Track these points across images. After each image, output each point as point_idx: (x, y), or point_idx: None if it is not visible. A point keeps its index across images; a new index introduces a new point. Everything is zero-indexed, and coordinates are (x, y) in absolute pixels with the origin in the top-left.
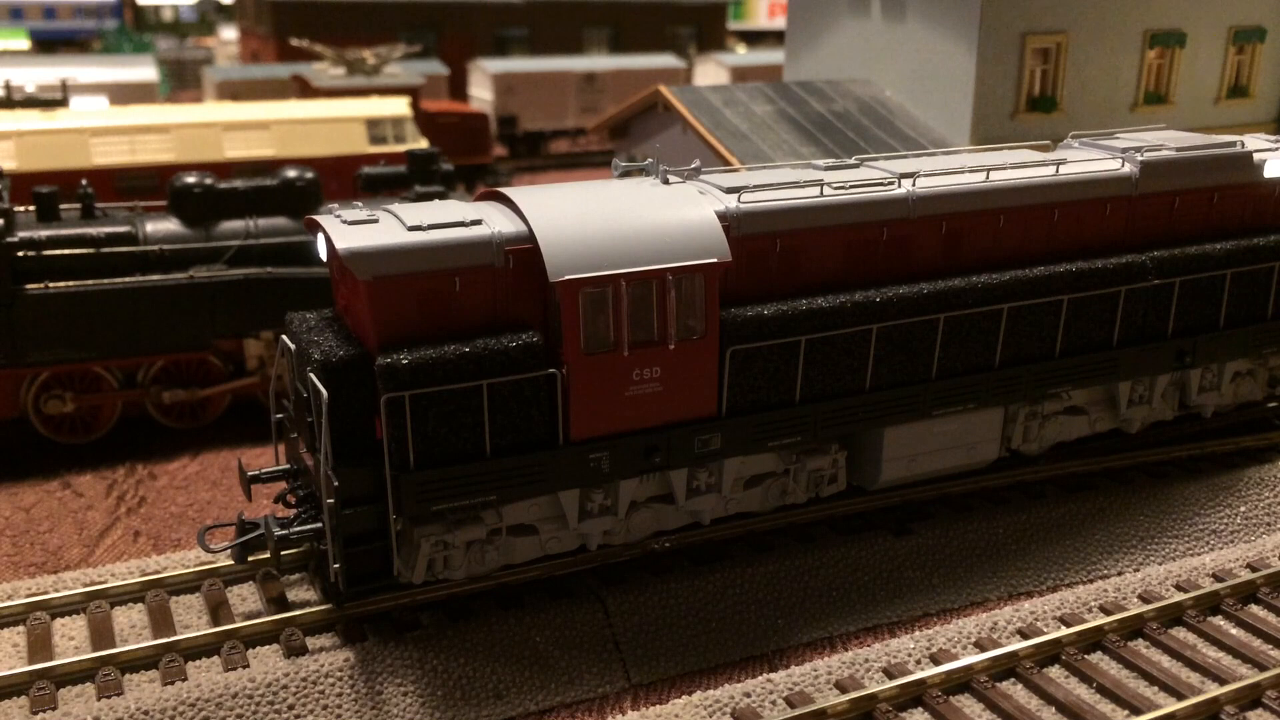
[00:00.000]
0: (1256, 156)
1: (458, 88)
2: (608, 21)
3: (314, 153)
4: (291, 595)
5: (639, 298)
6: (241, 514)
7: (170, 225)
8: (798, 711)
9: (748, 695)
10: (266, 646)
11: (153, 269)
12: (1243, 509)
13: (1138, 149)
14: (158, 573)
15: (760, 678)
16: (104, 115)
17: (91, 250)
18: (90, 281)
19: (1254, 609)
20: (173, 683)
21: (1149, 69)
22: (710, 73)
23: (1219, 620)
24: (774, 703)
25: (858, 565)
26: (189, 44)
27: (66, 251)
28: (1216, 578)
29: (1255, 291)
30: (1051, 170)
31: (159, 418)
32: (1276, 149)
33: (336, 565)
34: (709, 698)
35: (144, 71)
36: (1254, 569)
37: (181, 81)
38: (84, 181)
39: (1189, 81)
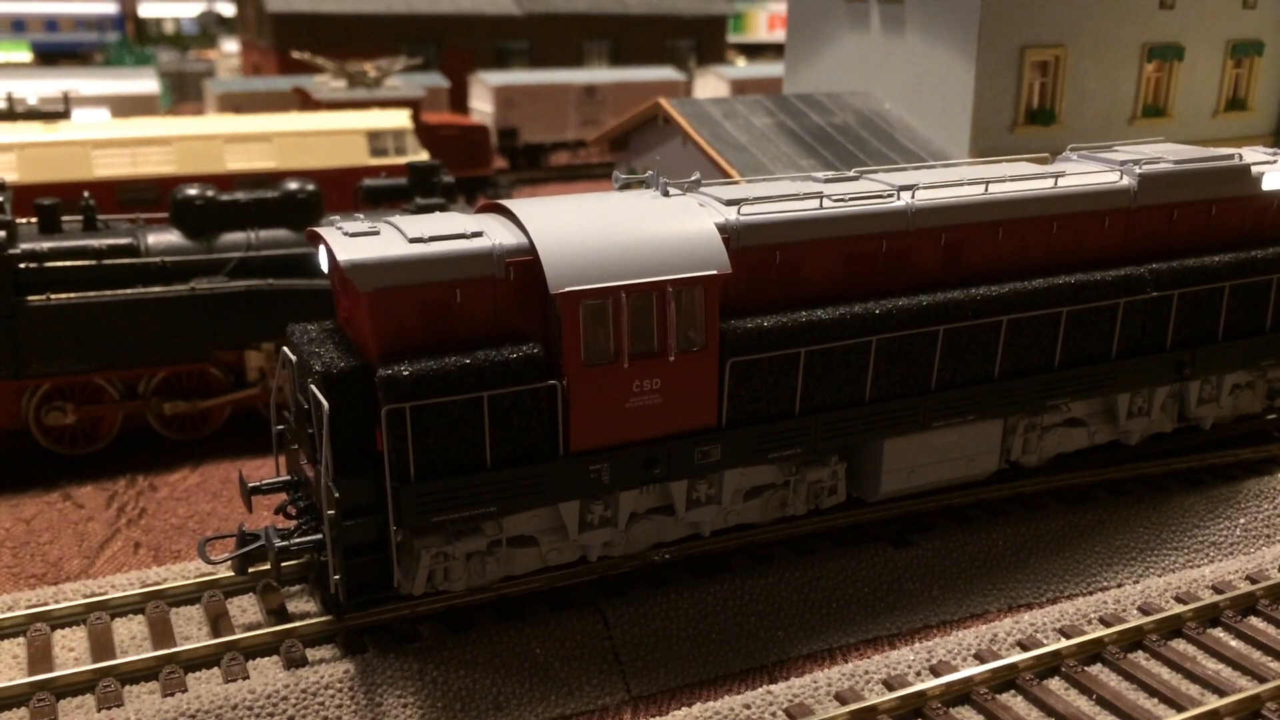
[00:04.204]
0: (1254, 169)
1: (458, 100)
2: (608, 34)
3: (315, 165)
4: (292, 607)
5: (639, 309)
6: (242, 525)
7: (172, 237)
8: None
9: (747, 707)
10: (267, 658)
11: (154, 281)
12: (1242, 521)
13: (1136, 162)
14: (158, 584)
15: (760, 689)
16: (106, 127)
17: (93, 262)
18: (92, 293)
19: (1253, 621)
20: (173, 694)
21: (1147, 82)
22: (710, 85)
23: (1218, 632)
24: (774, 714)
25: (857, 577)
26: (190, 57)
27: (68, 263)
28: (1216, 590)
29: (1254, 304)
30: (1050, 183)
31: (160, 429)
32: (1274, 162)
33: (337, 577)
34: (709, 709)
35: (145, 84)
36: (1253, 581)
37: (183, 94)
38: (86, 193)
39: (1187, 94)
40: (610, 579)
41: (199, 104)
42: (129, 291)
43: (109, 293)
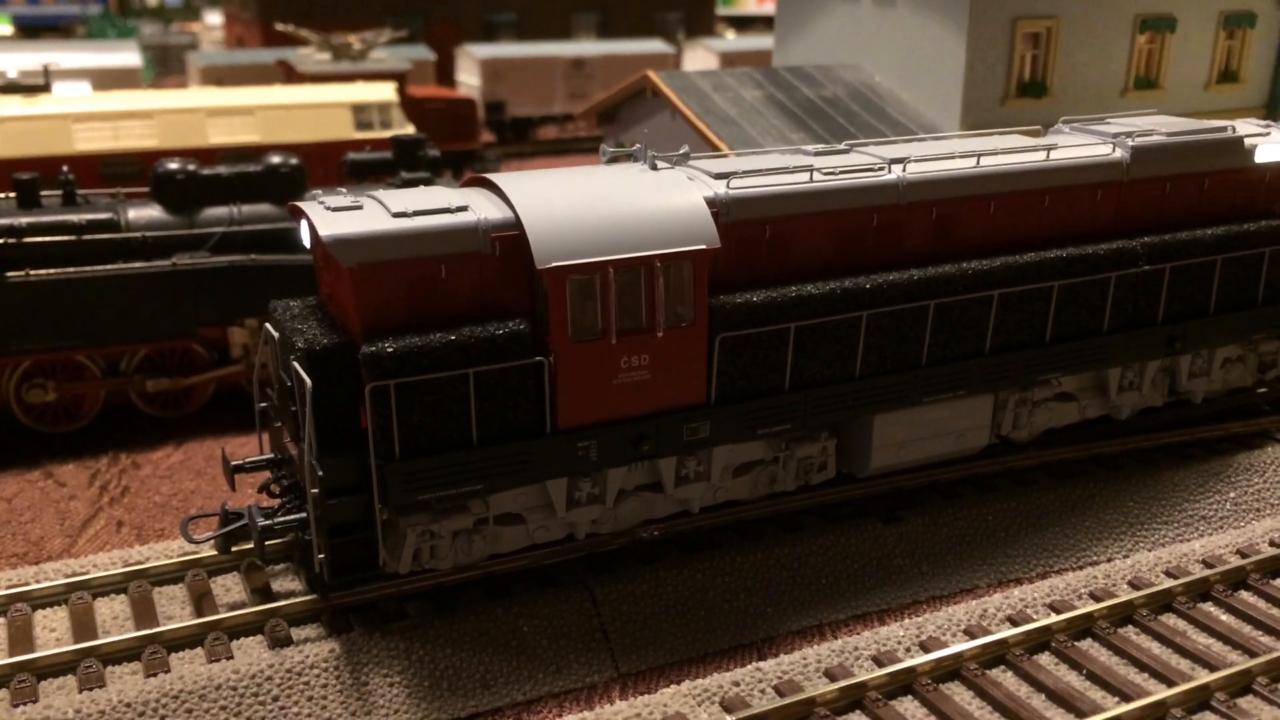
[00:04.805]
0: (1247, 142)
1: (445, 73)
2: (596, 7)
3: (299, 139)
4: (276, 586)
5: (627, 285)
6: (225, 504)
7: (153, 212)
8: (787, 700)
9: (736, 684)
10: (251, 638)
11: (135, 256)
12: (1232, 495)
13: (1129, 134)
14: (141, 563)
15: (749, 666)
16: (87, 101)
17: (73, 237)
18: (72, 269)
19: (1244, 595)
20: (155, 675)
21: (1139, 54)
22: (699, 58)
23: (1209, 606)
24: (763, 691)
25: (847, 553)
26: (173, 29)
27: (47, 239)
28: (1206, 564)
29: (1245, 277)
30: (1042, 155)
31: (142, 406)
32: (1267, 134)
33: (321, 556)
34: (698, 686)
35: (127, 57)
36: (1244, 555)
37: (166, 67)
38: (65, 168)
39: (1179, 66)
40: (598, 556)
41: (182, 77)
42: (109, 267)
43: (89, 269)
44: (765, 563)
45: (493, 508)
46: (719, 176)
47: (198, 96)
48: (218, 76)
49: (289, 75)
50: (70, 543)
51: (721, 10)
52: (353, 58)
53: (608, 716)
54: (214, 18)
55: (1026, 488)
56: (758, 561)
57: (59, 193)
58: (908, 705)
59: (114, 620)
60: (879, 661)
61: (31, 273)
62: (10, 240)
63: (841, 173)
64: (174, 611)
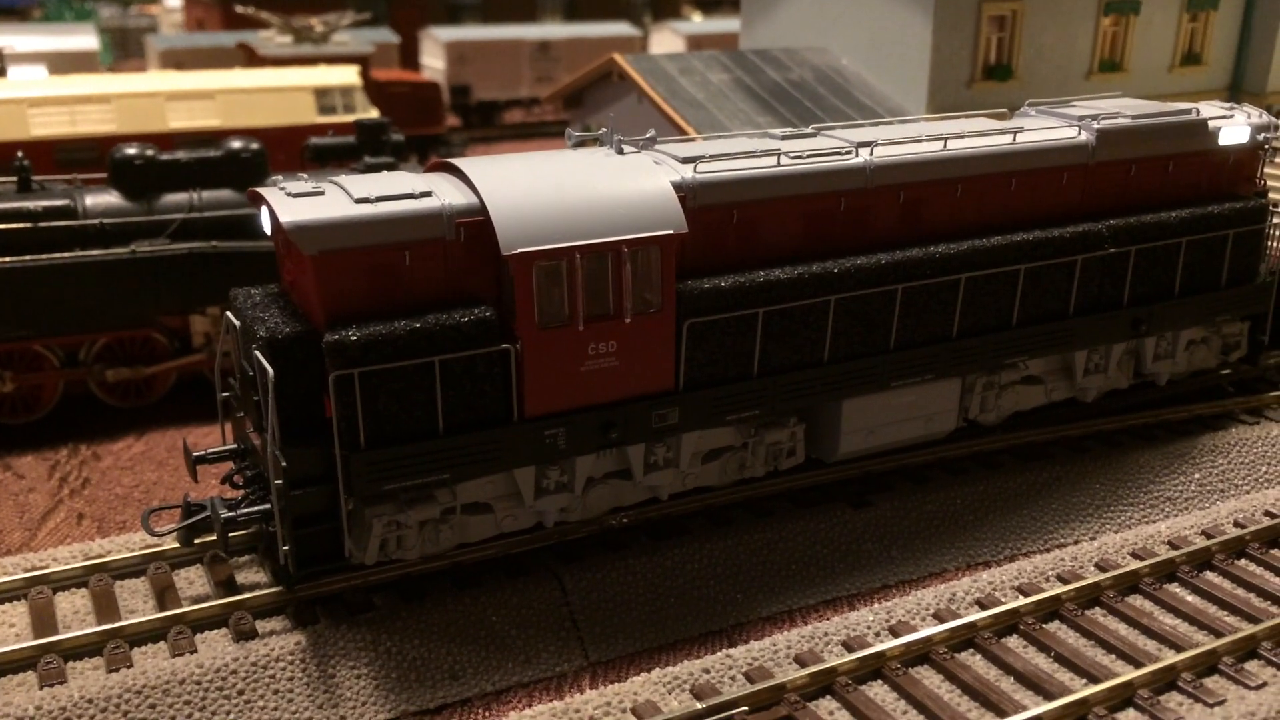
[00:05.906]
0: (1211, 124)
1: (409, 56)
2: None
3: (260, 123)
4: (240, 578)
5: (594, 271)
6: (187, 496)
7: (111, 198)
8: (757, 686)
9: (707, 671)
10: (215, 631)
11: (93, 244)
12: (1197, 476)
13: (1094, 117)
14: (102, 556)
15: (719, 653)
16: (42, 85)
17: (28, 225)
18: (28, 257)
19: (1209, 575)
20: (118, 670)
21: (1104, 37)
22: (666, 41)
23: (1175, 587)
24: (733, 678)
25: (816, 538)
26: (132, 12)
27: (2, 226)
28: (1172, 545)
29: (1209, 259)
30: (1008, 139)
31: (103, 396)
32: (1230, 116)
33: (285, 547)
34: (668, 674)
35: (84, 40)
36: (1208, 536)
37: (124, 50)
38: (20, 153)
39: (1143, 49)
40: (567, 545)
41: (141, 60)
42: (67, 255)
43: (46, 256)
44: (735, 549)
45: (460, 497)
46: (686, 161)
47: (157, 80)
48: (177, 60)
49: (250, 59)
50: (29, 536)
51: None
52: (315, 41)
53: (578, 705)
54: (173, 0)
55: (994, 471)
56: (727, 548)
57: (14, 179)
58: (878, 690)
59: (75, 615)
60: (849, 646)
61: None
62: None
63: (809, 157)
64: (136, 605)
